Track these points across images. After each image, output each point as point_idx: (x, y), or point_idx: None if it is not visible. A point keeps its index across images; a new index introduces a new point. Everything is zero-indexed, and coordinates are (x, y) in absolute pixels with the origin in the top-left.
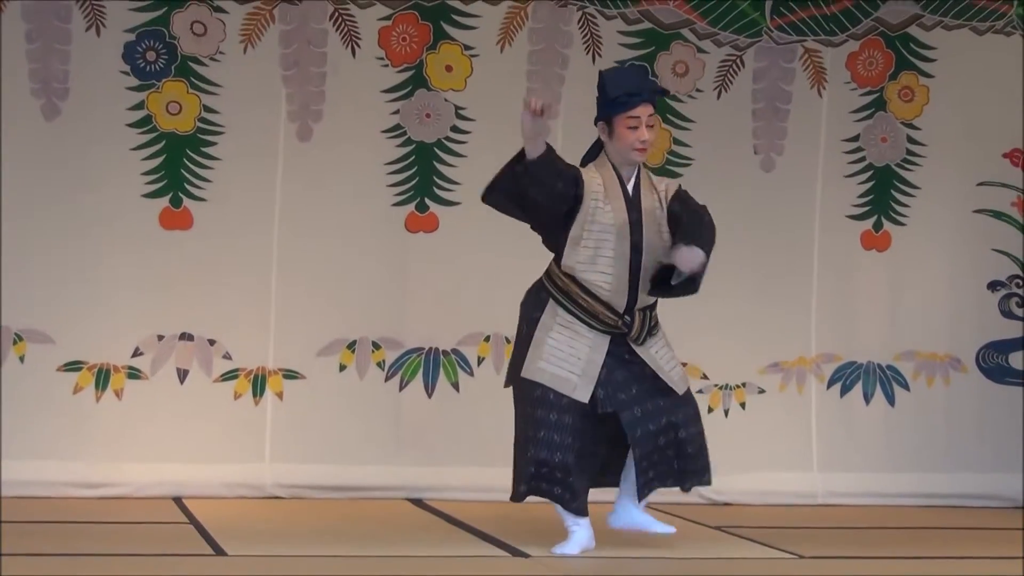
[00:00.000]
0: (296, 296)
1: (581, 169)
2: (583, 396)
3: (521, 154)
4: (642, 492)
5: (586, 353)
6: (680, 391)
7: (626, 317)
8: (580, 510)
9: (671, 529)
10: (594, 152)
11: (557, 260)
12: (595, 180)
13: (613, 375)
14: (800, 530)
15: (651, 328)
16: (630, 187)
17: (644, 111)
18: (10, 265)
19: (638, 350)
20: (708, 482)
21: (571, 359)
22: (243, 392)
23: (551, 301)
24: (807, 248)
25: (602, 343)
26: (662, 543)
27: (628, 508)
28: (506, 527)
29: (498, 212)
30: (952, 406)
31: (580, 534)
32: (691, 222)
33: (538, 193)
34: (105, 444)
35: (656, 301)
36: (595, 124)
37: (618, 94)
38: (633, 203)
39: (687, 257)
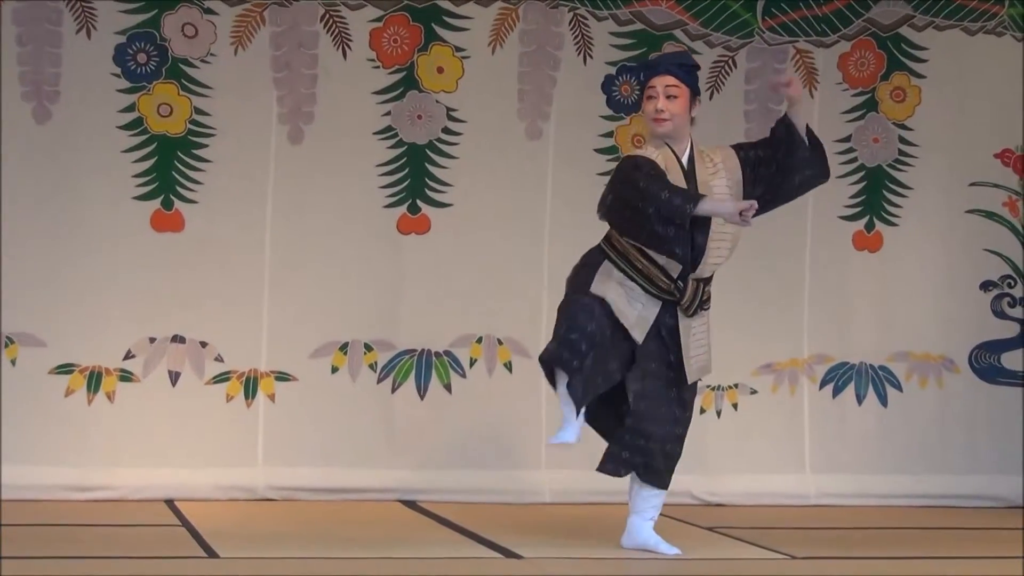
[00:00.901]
0: (288, 298)
1: (651, 158)
2: (639, 337)
3: (683, 208)
4: (607, 465)
5: (639, 309)
6: (690, 380)
7: (679, 283)
8: (580, 399)
9: (676, 550)
10: None
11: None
12: (657, 159)
13: (646, 345)
14: (793, 531)
15: (703, 302)
16: (684, 160)
17: (660, 81)
18: (1, 268)
19: (682, 323)
20: (663, 486)
21: (628, 309)
22: (235, 394)
23: (606, 262)
24: (799, 249)
25: (653, 308)
26: None
27: (639, 528)
28: (499, 529)
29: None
30: (945, 407)
31: (574, 423)
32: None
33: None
34: (97, 447)
35: (711, 276)
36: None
37: (639, 69)
38: (689, 175)
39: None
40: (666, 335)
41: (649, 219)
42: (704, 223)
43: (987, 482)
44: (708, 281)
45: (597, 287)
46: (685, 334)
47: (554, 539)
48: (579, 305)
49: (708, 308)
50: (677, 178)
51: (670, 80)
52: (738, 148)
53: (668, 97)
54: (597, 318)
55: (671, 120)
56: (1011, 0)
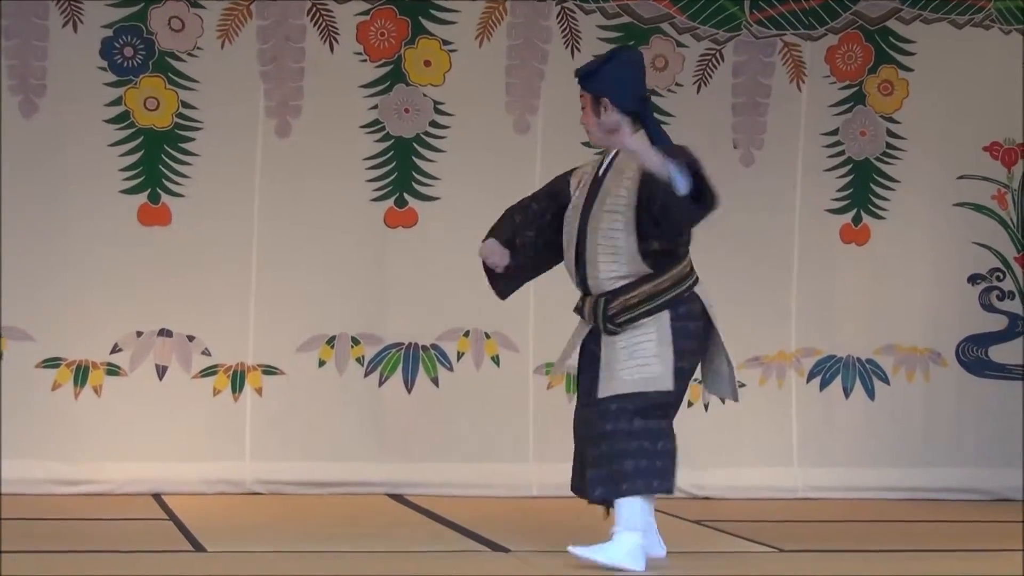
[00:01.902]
0: (275, 292)
1: (558, 177)
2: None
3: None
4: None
5: (574, 343)
6: (602, 394)
7: (578, 303)
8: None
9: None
10: None
11: None
12: (580, 172)
13: (580, 370)
14: (780, 524)
15: (611, 317)
16: (604, 167)
17: (582, 97)
18: None
19: (604, 341)
20: (592, 498)
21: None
22: (222, 388)
23: None
24: (787, 242)
25: (581, 333)
26: None
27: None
28: (486, 522)
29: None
30: (932, 400)
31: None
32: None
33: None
34: (84, 441)
35: (619, 290)
36: None
37: None
38: (599, 182)
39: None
40: (589, 359)
41: None
42: (584, 228)
43: (974, 475)
44: (613, 296)
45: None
46: (607, 349)
47: (541, 533)
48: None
49: (633, 326)
50: (584, 185)
51: (582, 93)
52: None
53: (583, 110)
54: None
55: (590, 133)
56: None
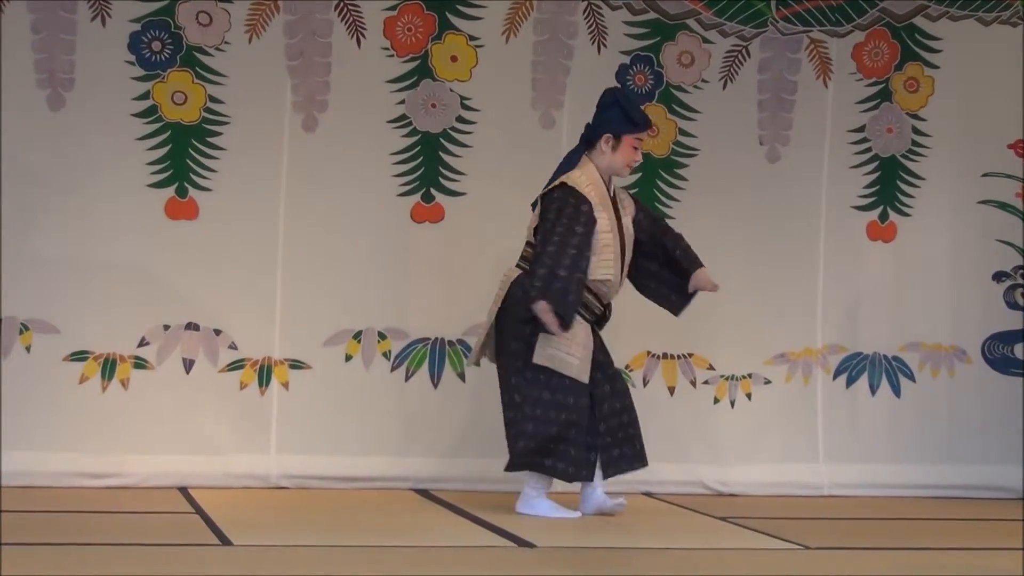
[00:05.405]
0: (302, 286)
1: (581, 191)
2: (584, 377)
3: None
4: (608, 470)
5: (581, 339)
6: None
7: (606, 304)
8: (576, 476)
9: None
10: (574, 159)
11: None
12: (591, 191)
13: (595, 358)
14: (806, 521)
15: (609, 317)
16: (611, 193)
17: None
18: (16, 255)
19: (598, 335)
20: (645, 465)
21: (570, 344)
22: (249, 382)
23: None
24: (813, 239)
25: (588, 330)
26: (668, 534)
27: (594, 491)
28: (512, 517)
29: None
30: (957, 397)
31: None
32: (680, 243)
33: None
34: (111, 434)
35: None
36: (596, 135)
37: (638, 116)
38: (615, 208)
39: (707, 279)
40: (596, 343)
41: None
42: (624, 245)
43: (1000, 473)
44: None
45: (544, 341)
46: (602, 341)
47: (567, 528)
48: (534, 404)
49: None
50: (607, 205)
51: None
52: (639, 208)
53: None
54: (548, 405)
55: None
56: None
